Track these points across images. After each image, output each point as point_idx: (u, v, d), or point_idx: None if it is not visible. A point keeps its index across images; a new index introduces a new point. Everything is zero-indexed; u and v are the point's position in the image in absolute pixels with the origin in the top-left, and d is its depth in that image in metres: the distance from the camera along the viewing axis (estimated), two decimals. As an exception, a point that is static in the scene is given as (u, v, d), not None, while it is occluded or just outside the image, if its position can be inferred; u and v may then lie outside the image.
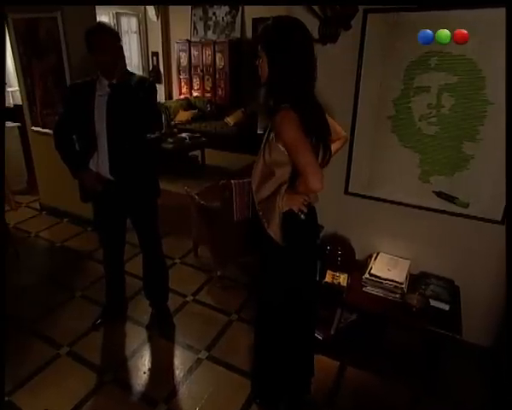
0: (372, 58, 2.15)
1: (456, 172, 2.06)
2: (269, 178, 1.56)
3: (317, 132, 1.50)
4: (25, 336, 2.58)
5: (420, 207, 2.23)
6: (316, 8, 2.21)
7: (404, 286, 2.12)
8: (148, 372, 2.33)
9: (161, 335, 2.61)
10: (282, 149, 1.47)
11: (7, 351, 2.41)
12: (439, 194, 2.13)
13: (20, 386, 2.21)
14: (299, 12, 2.19)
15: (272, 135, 1.50)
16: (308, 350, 1.97)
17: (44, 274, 3.29)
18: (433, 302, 2.02)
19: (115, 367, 2.35)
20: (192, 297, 2.97)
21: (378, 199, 2.36)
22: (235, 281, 3.17)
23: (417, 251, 2.31)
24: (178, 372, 2.33)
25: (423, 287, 2.13)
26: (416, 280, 2.23)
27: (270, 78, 1.49)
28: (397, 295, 2.12)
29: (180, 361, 2.42)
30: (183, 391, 2.20)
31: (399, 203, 2.29)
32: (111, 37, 2.05)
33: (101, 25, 2.12)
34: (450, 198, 2.10)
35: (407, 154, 2.19)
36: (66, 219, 4.19)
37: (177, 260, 3.45)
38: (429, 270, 2.28)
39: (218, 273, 3.11)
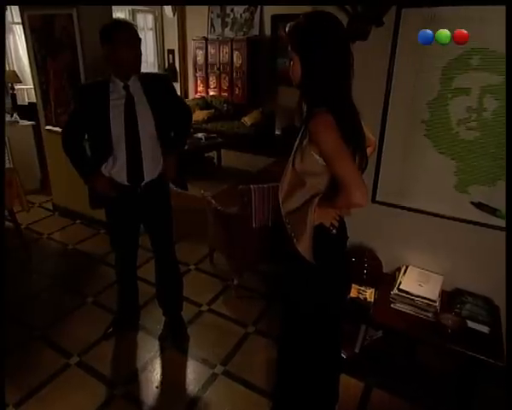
0: (405, 57, 2.03)
1: (499, 182, 1.93)
2: (299, 188, 1.45)
3: (355, 138, 1.39)
4: (34, 344, 2.54)
5: (455, 219, 2.09)
6: (344, 3, 2.10)
7: (437, 304, 1.99)
8: (160, 387, 2.26)
9: (175, 346, 2.54)
10: (317, 157, 1.36)
11: (16, 359, 2.39)
12: (478, 205, 1.99)
13: (28, 397, 2.16)
14: (325, 7, 2.09)
15: (305, 141, 1.39)
16: (334, 372, 1.86)
17: (56, 278, 3.26)
18: (470, 324, 1.89)
19: (126, 380, 2.29)
20: (207, 307, 2.89)
21: (408, 209, 2.24)
22: (252, 290, 3.07)
23: (451, 266, 2.17)
24: (192, 388, 2.25)
25: (459, 306, 1.99)
26: (451, 298, 2.09)
27: (304, 79, 1.38)
28: (429, 314, 1.99)
29: (194, 376, 2.34)
30: (197, 409, 2.12)
31: (432, 214, 2.16)
32: (135, 35, 1.99)
33: (126, 21, 2.05)
34: (490, 210, 1.97)
35: (442, 161, 2.06)
36: (78, 221, 4.17)
37: (192, 267, 3.38)
38: (465, 287, 2.14)
39: (235, 282, 3.02)
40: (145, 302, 2.87)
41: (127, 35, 1.94)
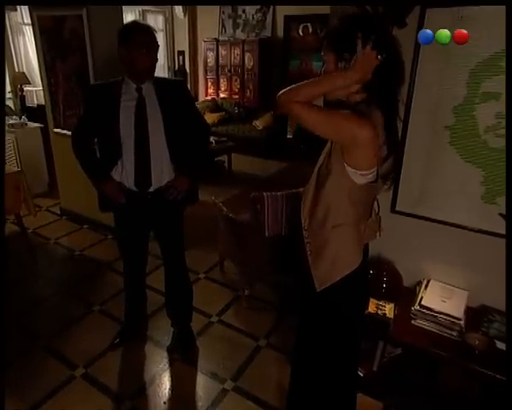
0: (429, 59, 1.96)
1: (530, 193, 1.84)
2: (324, 207, 1.40)
3: (393, 141, 1.35)
4: (38, 353, 2.50)
5: (482, 232, 2.00)
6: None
7: (462, 322, 1.90)
8: (168, 403, 2.20)
9: (183, 359, 2.48)
10: (351, 169, 1.30)
11: (18, 369, 2.35)
12: (508, 217, 1.91)
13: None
14: (344, 6, 2.03)
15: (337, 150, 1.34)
16: (351, 391, 1.79)
17: (62, 284, 3.23)
18: (499, 345, 1.79)
19: (133, 394, 2.24)
20: (217, 318, 2.83)
21: (431, 219, 2.15)
22: (264, 302, 3.01)
23: (477, 281, 2.08)
24: (201, 404, 2.19)
25: (486, 324, 1.90)
26: (476, 315, 2.00)
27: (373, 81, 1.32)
28: (454, 333, 1.90)
29: (203, 391, 2.28)
30: (207, 427, 2.07)
31: (457, 226, 2.07)
32: (154, 41, 1.97)
33: (147, 25, 2.02)
34: (521, 222, 1.88)
35: (468, 169, 1.98)
36: (86, 226, 4.15)
37: (202, 275, 3.33)
38: (492, 304, 2.04)
39: (246, 292, 2.95)
40: (153, 312, 2.82)
41: (146, 39, 1.92)
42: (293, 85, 1.27)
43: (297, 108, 1.25)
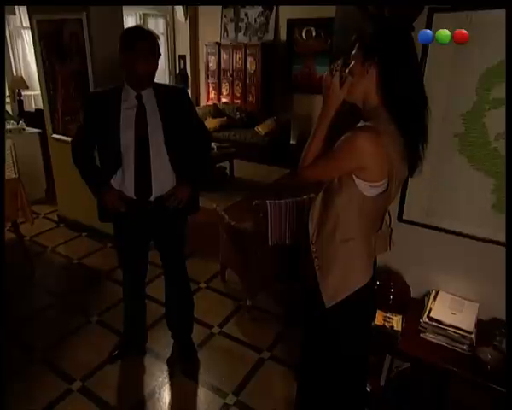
0: (437, 64, 1.95)
1: (543, 202, 1.82)
2: (332, 220, 1.39)
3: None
4: (35, 366, 2.48)
5: (492, 242, 1.98)
6: (370, 6, 2.03)
7: (473, 336, 1.88)
8: (168, 418, 2.18)
9: (184, 372, 2.46)
10: (360, 181, 1.29)
11: (14, 383, 2.33)
12: (520, 227, 1.89)
13: (28, 426, 2.10)
14: (348, 10, 2.03)
15: None
16: (360, 408, 1.77)
17: (59, 295, 3.22)
18: (512, 359, 1.77)
19: (132, 409, 2.22)
20: (218, 329, 2.81)
21: (440, 229, 2.13)
22: (267, 312, 2.98)
23: (488, 293, 2.05)
24: (203, 420, 2.17)
25: (498, 338, 1.87)
26: (488, 328, 1.97)
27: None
28: (464, 347, 1.88)
29: (204, 406, 2.26)
30: (208, 444, 2.04)
31: (466, 236, 2.06)
32: (156, 48, 1.97)
33: (150, 31, 2.00)
34: (533, 233, 1.86)
35: (478, 178, 1.96)
36: (84, 234, 4.14)
37: (203, 285, 3.31)
38: (504, 316, 2.01)
39: (248, 302, 2.93)
40: (153, 323, 2.81)
41: (148, 46, 1.92)
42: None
43: (305, 174, 1.39)
